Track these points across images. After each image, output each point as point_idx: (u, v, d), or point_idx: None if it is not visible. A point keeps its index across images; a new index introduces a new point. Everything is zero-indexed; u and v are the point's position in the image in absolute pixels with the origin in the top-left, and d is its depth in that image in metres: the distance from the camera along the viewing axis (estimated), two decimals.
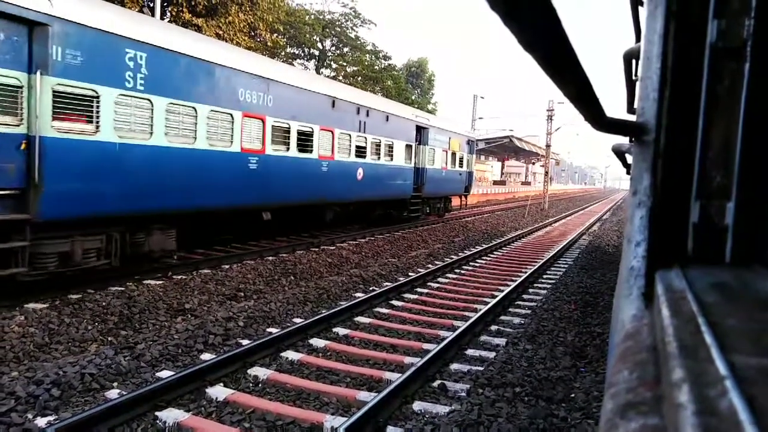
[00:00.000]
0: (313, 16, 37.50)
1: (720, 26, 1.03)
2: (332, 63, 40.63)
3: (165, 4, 20.71)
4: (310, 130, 12.41)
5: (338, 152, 13.63)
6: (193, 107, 8.97)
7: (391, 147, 16.72)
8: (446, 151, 21.24)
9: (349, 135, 14.14)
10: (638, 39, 3.59)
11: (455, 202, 25.27)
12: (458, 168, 22.86)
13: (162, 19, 18.95)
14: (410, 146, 18.10)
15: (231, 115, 9.85)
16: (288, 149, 11.67)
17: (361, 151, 14.82)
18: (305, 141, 12.25)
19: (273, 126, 11.06)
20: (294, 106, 11.77)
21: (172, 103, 8.52)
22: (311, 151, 12.49)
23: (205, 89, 9.26)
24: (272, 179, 11.14)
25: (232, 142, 9.93)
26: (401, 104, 20.48)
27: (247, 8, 23.01)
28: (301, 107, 12.04)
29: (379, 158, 15.91)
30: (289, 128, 11.63)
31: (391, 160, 16.77)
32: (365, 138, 15.03)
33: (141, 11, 18.08)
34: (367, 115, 14.97)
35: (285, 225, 13.72)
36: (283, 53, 33.12)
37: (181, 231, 9.56)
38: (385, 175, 16.37)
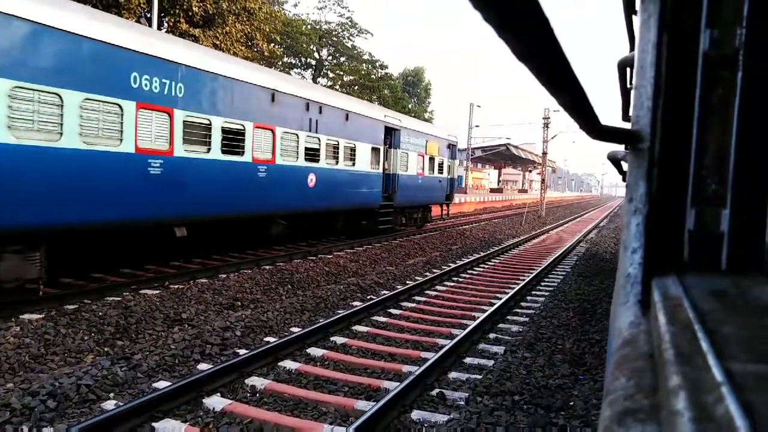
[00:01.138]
0: (309, 26, 37.71)
1: (712, 35, 1.04)
2: (329, 72, 40.82)
3: (162, 14, 20.79)
4: (241, 127, 10.33)
5: (281, 155, 11.51)
6: (57, 94, 7.00)
7: (353, 150, 14.71)
8: (423, 156, 19.33)
9: (297, 135, 12.06)
10: (632, 48, 3.62)
11: (436, 211, 23.39)
12: (437, 174, 20.92)
13: (159, 29, 19.02)
14: (377, 149, 16.08)
15: (119, 105, 7.88)
16: (209, 150, 9.57)
17: (313, 154, 12.75)
18: (234, 141, 10.21)
19: (185, 122, 9.01)
20: (217, 99, 9.75)
21: (17, 87, 6.55)
22: (243, 153, 10.37)
23: (76, 71, 7.29)
24: (185, 187, 9.13)
25: (121, 140, 7.94)
26: (365, 102, 18.55)
27: (244, 18, 23.11)
28: (228, 100, 10.01)
29: (337, 162, 13.87)
30: (209, 125, 9.55)
31: (354, 164, 14.72)
32: (318, 139, 12.90)
33: (138, 21, 18.14)
34: (320, 112, 12.87)
35: (213, 242, 11.73)
36: (280, 63, 33.25)
37: (53, 254, 7.74)
38: (345, 181, 14.32)
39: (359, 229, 16.30)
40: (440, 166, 21.21)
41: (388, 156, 16.95)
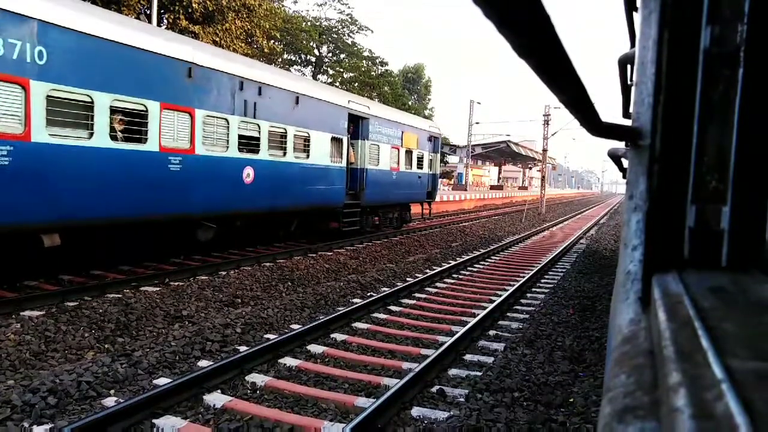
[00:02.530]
0: (309, 23, 37.66)
1: (713, 32, 1.04)
2: (329, 69, 40.78)
3: (162, 11, 20.76)
4: (143, 108, 8.30)
5: (204, 144, 9.52)
6: None
7: (306, 140, 12.54)
8: (398, 149, 17.25)
9: (226, 120, 9.98)
10: (633, 44, 3.61)
11: (421, 210, 21.68)
12: (416, 170, 18.79)
13: (159, 25, 18.99)
14: (339, 140, 13.98)
15: None
16: (91, 136, 7.52)
17: (250, 144, 10.72)
18: (132, 125, 8.26)
19: (49, 97, 6.97)
20: (103, 70, 7.64)
21: None
22: (145, 141, 8.36)
23: None
24: (55, 183, 7.14)
25: None
26: (322, 84, 16.38)
27: (244, 15, 23.08)
28: (120, 73, 7.91)
29: (284, 154, 11.73)
30: (91, 103, 7.49)
31: (308, 157, 12.59)
32: (258, 126, 10.83)
33: (138, 18, 18.12)
34: (260, 93, 10.79)
35: (109, 253, 9.61)
36: (280, 60, 33.22)
37: None
38: (296, 177, 12.22)
39: (319, 232, 14.61)
40: (419, 160, 19.12)
41: (354, 148, 15.10)
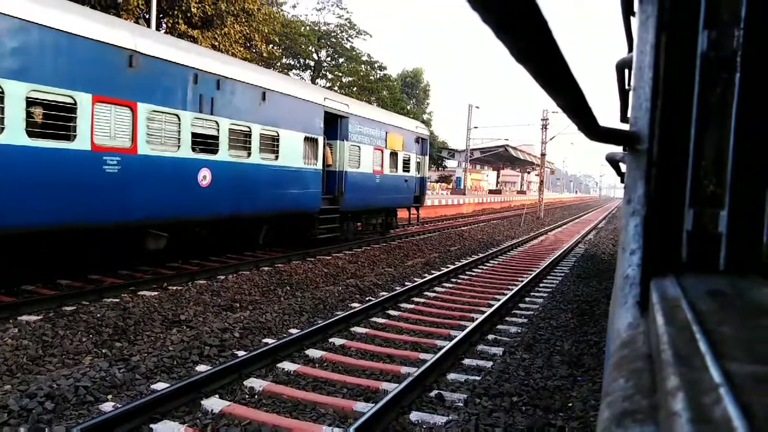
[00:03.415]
0: (308, 28, 37.74)
1: (710, 36, 1.04)
2: (328, 74, 40.85)
3: (161, 15, 20.80)
4: (70, 101, 7.25)
5: (149, 143, 8.45)
6: None
7: (274, 140, 11.45)
8: (381, 150, 16.18)
9: (177, 116, 8.93)
10: (630, 49, 3.63)
11: (403, 215, 19.96)
12: (402, 173, 17.72)
13: (158, 29, 19.02)
14: (314, 140, 12.85)
15: None
16: (1, 131, 6.53)
17: (207, 143, 9.67)
18: (53, 119, 7.19)
19: None
20: (16, 55, 6.66)
21: None
22: (73, 138, 7.29)
23: None
24: None
25: None
26: (293, 79, 15.08)
27: (243, 20, 23.12)
28: (40, 59, 6.93)
29: (248, 155, 10.68)
30: (1, 93, 6.51)
31: (277, 158, 11.49)
32: (216, 123, 9.78)
33: (137, 22, 18.14)
34: (219, 87, 9.74)
35: (29, 267, 8.40)
36: (278, 64, 33.28)
37: None
38: (263, 180, 11.11)
39: (292, 240, 13.56)
40: (406, 162, 18.04)
41: (333, 150, 14.10)
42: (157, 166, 8.67)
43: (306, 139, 12.52)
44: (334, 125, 13.98)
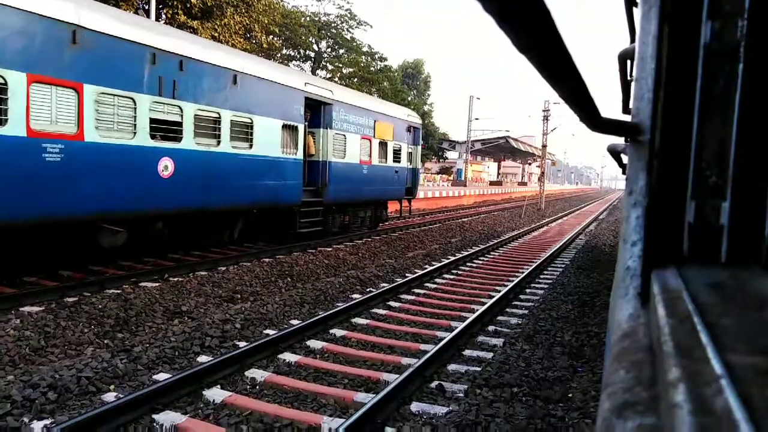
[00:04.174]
0: (308, 18, 37.55)
1: (714, 27, 1.03)
2: (328, 65, 40.69)
3: (160, 6, 20.69)
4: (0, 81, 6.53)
5: (98, 128, 7.63)
6: None
7: (248, 127, 10.61)
8: (369, 140, 15.38)
9: (132, 99, 8.12)
10: (633, 40, 3.61)
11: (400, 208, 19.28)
12: (393, 163, 16.89)
13: (157, 20, 18.93)
14: (294, 128, 11.98)
15: None
16: None
17: (168, 130, 8.88)
18: None
19: None
20: None
21: None
22: (4, 123, 6.59)
23: None
24: None
25: None
26: (268, 61, 14.00)
27: (243, 10, 23.02)
28: None
29: (217, 143, 9.86)
30: None
31: (251, 147, 10.67)
32: (179, 108, 8.95)
33: (136, 13, 18.07)
34: (182, 68, 8.89)
35: None
36: (278, 55, 33.14)
37: None
38: (234, 170, 10.29)
39: (273, 235, 13.09)
40: (396, 153, 17.15)
41: (315, 138, 13.29)
42: (109, 154, 7.84)
43: (284, 126, 11.70)
44: (316, 112, 13.26)
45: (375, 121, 15.68)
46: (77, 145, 7.38)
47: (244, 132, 10.58)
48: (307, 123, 12.70)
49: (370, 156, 15.54)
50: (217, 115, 9.83)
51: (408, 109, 20.43)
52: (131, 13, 9.13)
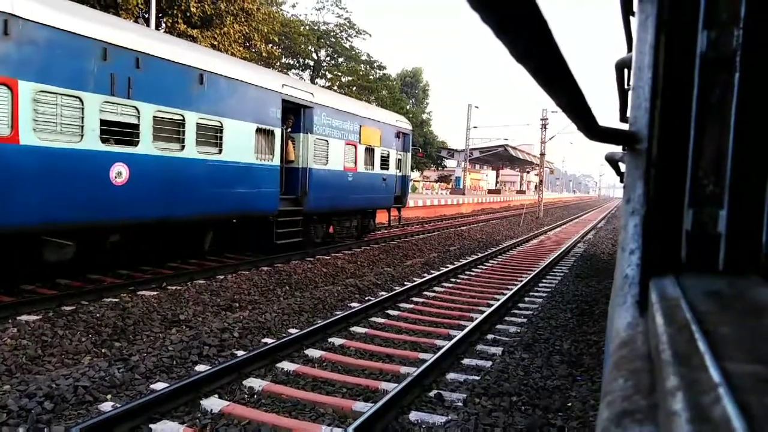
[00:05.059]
0: (307, 27, 37.74)
1: (710, 36, 1.04)
2: (327, 73, 40.83)
3: (160, 15, 20.79)
4: None
5: (36, 130, 6.88)
6: None
7: (217, 131, 9.78)
8: (355, 145, 14.60)
9: (79, 99, 7.29)
10: (630, 49, 3.63)
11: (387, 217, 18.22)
12: (380, 171, 16.07)
13: (157, 29, 19.01)
14: (270, 132, 11.14)
15: None
16: None
17: (123, 133, 8.03)
18: None
19: None
20: None
21: None
22: None
23: None
24: None
25: None
26: (241, 61, 13.08)
27: (242, 19, 23.12)
28: None
29: (181, 148, 9.01)
30: None
31: (220, 152, 9.82)
32: (135, 109, 8.13)
33: (136, 21, 18.14)
34: (138, 66, 8.07)
35: None
36: (278, 63, 33.27)
37: None
38: (200, 177, 9.42)
39: (249, 246, 12.44)
40: (384, 159, 16.33)
41: (295, 144, 12.50)
42: (51, 159, 7.05)
43: (259, 131, 10.81)
44: (296, 116, 12.48)
45: (361, 126, 14.97)
46: (11, 148, 6.61)
47: (212, 136, 9.76)
48: (285, 127, 12.08)
49: (356, 162, 14.78)
50: (180, 118, 8.98)
51: (397, 114, 19.68)
52: (78, 4, 7.99)
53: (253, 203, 10.86)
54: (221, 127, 9.86)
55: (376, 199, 16.24)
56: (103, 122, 7.68)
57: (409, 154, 18.55)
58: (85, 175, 7.48)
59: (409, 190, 19.91)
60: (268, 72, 12.66)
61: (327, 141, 13.30)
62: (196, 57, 9.42)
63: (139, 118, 8.21)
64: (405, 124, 18.24)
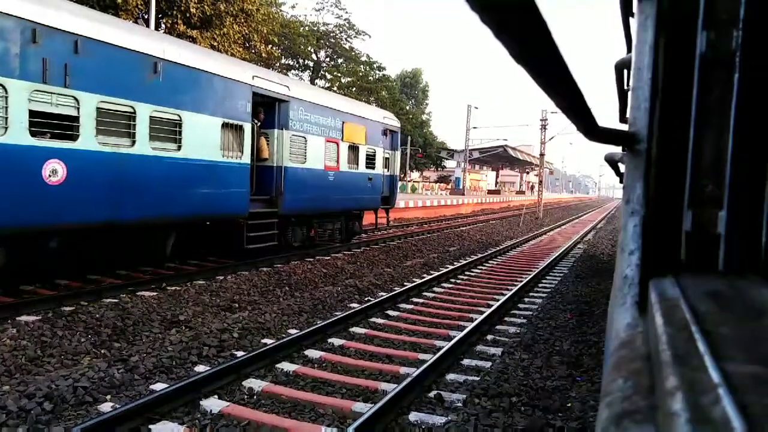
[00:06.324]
0: (307, 28, 37.76)
1: (709, 37, 1.04)
2: (326, 74, 40.87)
3: (160, 16, 20.80)
4: None
5: None
6: None
7: (175, 124, 8.82)
8: (337, 143, 13.69)
9: (2, 87, 6.42)
10: (629, 49, 3.63)
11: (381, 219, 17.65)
12: (366, 170, 15.20)
13: (157, 29, 19.01)
14: (238, 128, 10.19)
15: None
16: None
17: (58, 126, 7.11)
18: None
19: None
20: None
21: None
22: None
23: None
24: None
25: None
26: (204, 49, 12.24)
27: (242, 20, 23.13)
28: None
29: (132, 143, 8.08)
30: None
31: (178, 149, 8.89)
32: (74, 99, 7.17)
33: (135, 22, 18.15)
34: (77, 50, 7.10)
35: None
36: (277, 64, 33.29)
37: None
38: (156, 176, 8.51)
39: (219, 251, 11.62)
40: (370, 158, 15.45)
41: (269, 140, 11.62)
42: None
43: (225, 125, 9.89)
44: (270, 110, 11.60)
45: (343, 123, 14.01)
46: None
47: (170, 131, 8.80)
48: (257, 122, 11.18)
49: (338, 161, 13.81)
50: (130, 110, 8.02)
51: (384, 110, 18.63)
52: None
53: (220, 205, 9.95)
54: (180, 121, 8.90)
55: (361, 200, 15.40)
56: (33, 113, 6.78)
57: (398, 153, 17.66)
58: (10, 173, 6.59)
59: (407, 191, 19.69)
60: (236, 62, 11.65)
61: (305, 138, 12.38)
62: (149, 43, 8.42)
63: (78, 109, 7.26)
64: (393, 121, 17.26)
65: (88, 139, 7.40)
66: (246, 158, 10.47)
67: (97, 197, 7.65)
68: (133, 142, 8.12)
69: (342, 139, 13.94)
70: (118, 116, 7.91)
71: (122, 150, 7.96)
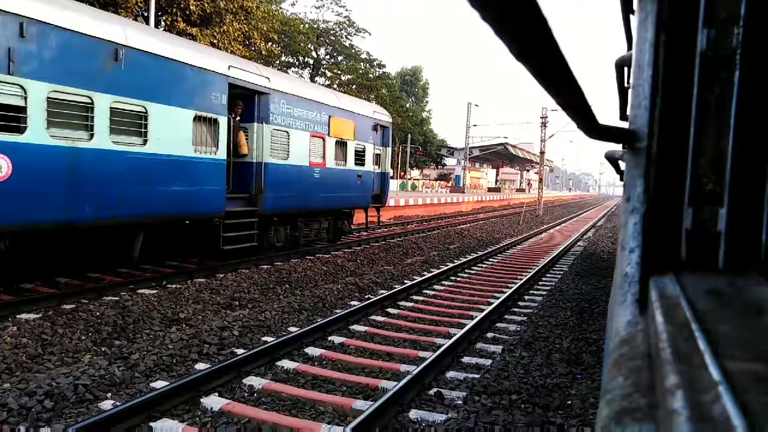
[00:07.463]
0: (307, 25, 37.72)
1: (710, 35, 1.04)
2: (327, 71, 40.84)
3: (159, 13, 20.77)
4: None
5: None
6: None
7: (140, 117, 8.15)
8: (323, 138, 12.99)
9: None
10: (630, 47, 3.63)
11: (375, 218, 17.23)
12: (355, 167, 14.52)
13: (156, 27, 18.99)
14: (212, 121, 9.53)
15: None
16: None
17: (2, 117, 6.41)
18: None
19: None
20: None
21: None
22: None
23: None
24: None
25: None
26: (171, 35, 11.55)
27: (242, 17, 23.11)
28: None
29: (90, 137, 7.42)
30: None
31: (144, 143, 8.23)
32: (20, 88, 6.52)
33: (135, 19, 18.12)
34: (23, 34, 6.44)
35: None
36: (277, 62, 33.26)
37: None
38: (120, 173, 7.84)
39: (193, 252, 11.07)
40: (359, 154, 14.80)
41: (249, 135, 10.97)
42: None
43: (198, 119, 9.22)
44: (249, 103, 10.91)
45: (330, 117, 13.28)
46: None
47: (133, 123, 8.11)
48: (234, 116, 10.58)
49: (324, 157, 13.08)
50: (87, 100, 7.35)
51: (375, 105, 17.89)
52: None
53: (192, 204, 9.23)
54: (146, 113, 8.22)
55: (350, 198, 14.66)
56: None
57: (390, 149, 16.92)
58: None
59: (407, 188, 19.40)
60: (210, 51, 10.87)
61: (287, 132, 11.67)
62: (108, 27, 7.69)
63: (26, 99, 6.60)
64: (384, 116, 16.50)
65: (37, 132, 6.76)
66: (222, 154, 9.81)
67: (50, 196, 7.01)
68: (91, 136, 7.46)
69: (329, 135, 13.28)
70: (73, 107, 7.27)
71: (78, 144, 7.31)
